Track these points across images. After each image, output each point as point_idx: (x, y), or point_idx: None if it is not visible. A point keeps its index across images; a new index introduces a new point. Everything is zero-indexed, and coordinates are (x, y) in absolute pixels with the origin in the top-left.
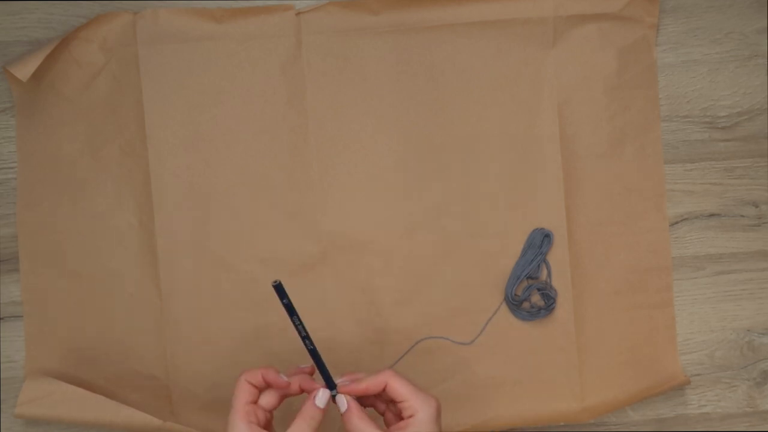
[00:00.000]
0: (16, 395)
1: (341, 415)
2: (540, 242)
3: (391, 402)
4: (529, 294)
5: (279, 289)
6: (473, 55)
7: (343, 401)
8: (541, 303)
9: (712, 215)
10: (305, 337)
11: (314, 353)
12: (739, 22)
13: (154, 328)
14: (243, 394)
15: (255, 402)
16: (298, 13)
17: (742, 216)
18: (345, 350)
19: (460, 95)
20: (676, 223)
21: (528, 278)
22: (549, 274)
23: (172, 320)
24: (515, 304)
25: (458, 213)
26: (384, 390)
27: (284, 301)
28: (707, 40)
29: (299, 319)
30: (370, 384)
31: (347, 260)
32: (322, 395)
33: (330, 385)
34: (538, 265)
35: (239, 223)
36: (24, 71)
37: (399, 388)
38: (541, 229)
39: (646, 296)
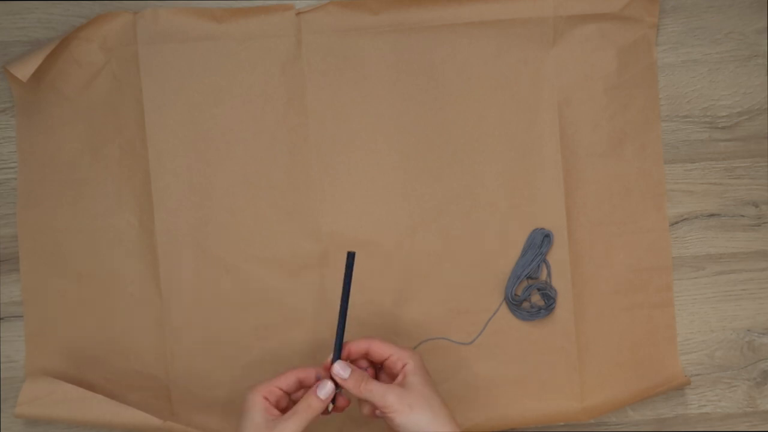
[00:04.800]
0: (16, 395)
1: (345, 384)
2: (540, 242)
3: (377, 365)
4: (529, 294)
5: (351, 259)
6: (473, 55)
7: (342, 368)
8: (541, 303)
9: (712, 215)
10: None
11: (342, 325)
12: (739, 22)
13: (154, 328)
14: (283, 381)
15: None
16: (298, 13)
17: (742, 216)
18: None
19: (460, 95)
20: (676, 223)
21: (528, 278)
22: (549, 274)
23: (172, 320)
24: (515, 304)
25: (458, 213)
26: (367, 355)
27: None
28: (707, 40)
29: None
30: (352, 347)
31: None
32: (325, 388)
33: (335, 357)
34: (538, 265)
35: (239, 223)
36: (24, 71)
37: (381, 346)
38: (541, 229)
39: (646, 296)
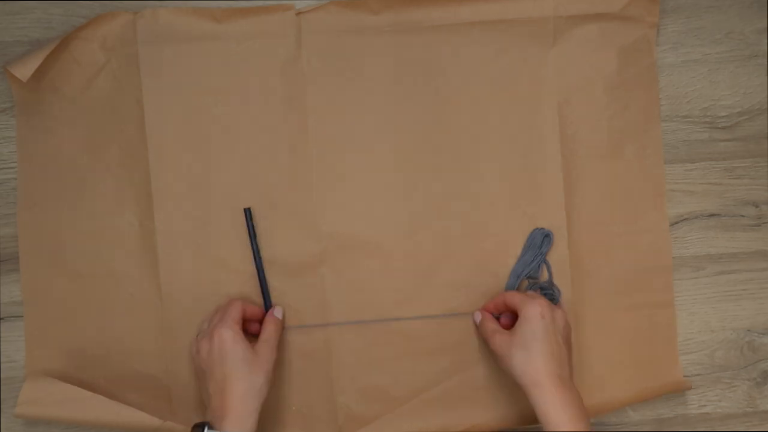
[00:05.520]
0: (16, 395)
1: (477, 326)
2: (540, 242)
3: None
4: None
5: (248, 215)
6: (473, 55)
7: (477, 315)
8: None
9: (712, 215)
10: (258, 260)
11: (262, 277)
12: (739, 22)
13: (154, 328)
14: (241, 312)
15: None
16: (298, 13)
17: (742, 216)
18: (345, 350)
19: (460, 95)
20: (676, 223)
21: (528, 278)
22: (550, 274)
23: (172, 320)
24: None
25: (458, 213)
26: (509, 308)
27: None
28: (707, 40)
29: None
30: (490, 305)
31: (347, 260)
32: (278, 310)
33: (267, 306)
34: (538, 265)
35: (239, 223)
36: (24, 71)
37: (511, 298)
38: (541, 229)
39: (647, 296)
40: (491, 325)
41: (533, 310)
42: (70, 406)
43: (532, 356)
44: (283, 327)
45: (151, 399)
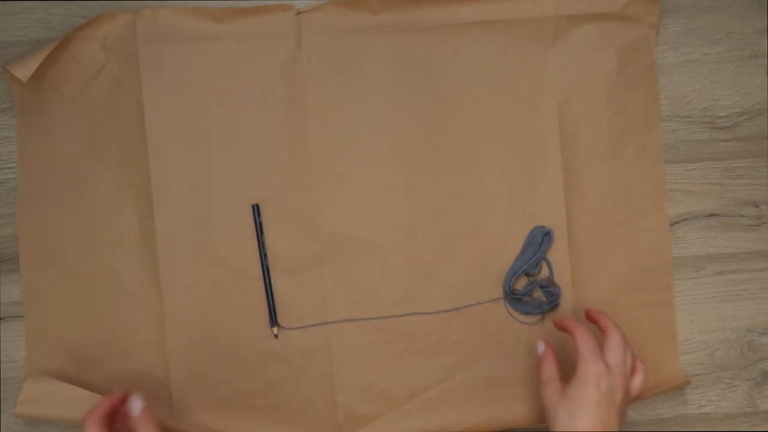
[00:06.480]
0: (16, 395)
1: (538, 357)
2: (540, 240)
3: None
4: (531, 290)
5: (255, 210)
6: (473, 55)
7: (541, 346)
8: (544, 300)
9: (712, 215)
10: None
11: (267, 273)
12: (739, 22)
13: (154, 328)
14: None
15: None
16: (298, 13)
17: (742, 216)
18: (344, 350)
19: (460, 95)
20: (676, 223)
21: (527, 275)
22: (551, 272)
23: (172, 320)
24: (513, 298)
25: (458, 213)
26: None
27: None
28: (707, 40)
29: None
30: (560, 322)
31: (347, 260)
32: (136, 403)
33: (273, 320)
34: (537, 263)
35: (239, 223)
36: (24, 71)
37: (578, 340)
38: (542, 227)
39: (647, 296)
40: (549, 370)
41: (589, 375)
42: (70, 406)
43: (576, 424)
44: (155, 420)
45: (151, 399)
